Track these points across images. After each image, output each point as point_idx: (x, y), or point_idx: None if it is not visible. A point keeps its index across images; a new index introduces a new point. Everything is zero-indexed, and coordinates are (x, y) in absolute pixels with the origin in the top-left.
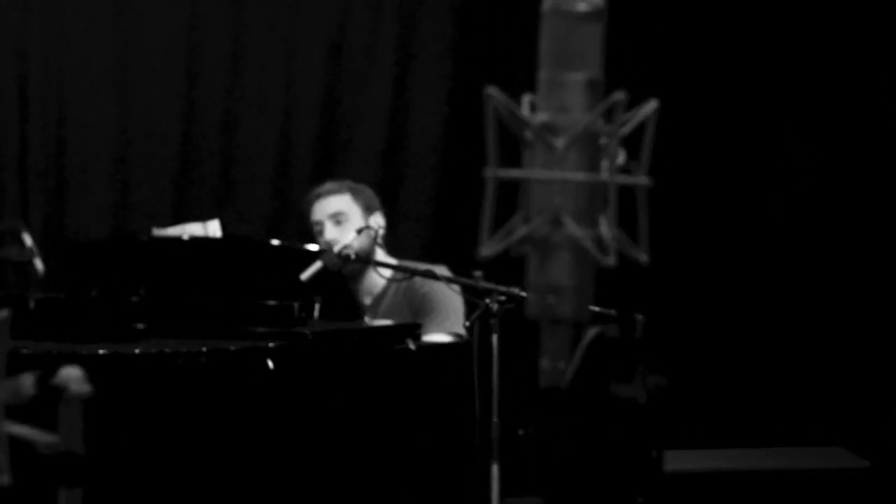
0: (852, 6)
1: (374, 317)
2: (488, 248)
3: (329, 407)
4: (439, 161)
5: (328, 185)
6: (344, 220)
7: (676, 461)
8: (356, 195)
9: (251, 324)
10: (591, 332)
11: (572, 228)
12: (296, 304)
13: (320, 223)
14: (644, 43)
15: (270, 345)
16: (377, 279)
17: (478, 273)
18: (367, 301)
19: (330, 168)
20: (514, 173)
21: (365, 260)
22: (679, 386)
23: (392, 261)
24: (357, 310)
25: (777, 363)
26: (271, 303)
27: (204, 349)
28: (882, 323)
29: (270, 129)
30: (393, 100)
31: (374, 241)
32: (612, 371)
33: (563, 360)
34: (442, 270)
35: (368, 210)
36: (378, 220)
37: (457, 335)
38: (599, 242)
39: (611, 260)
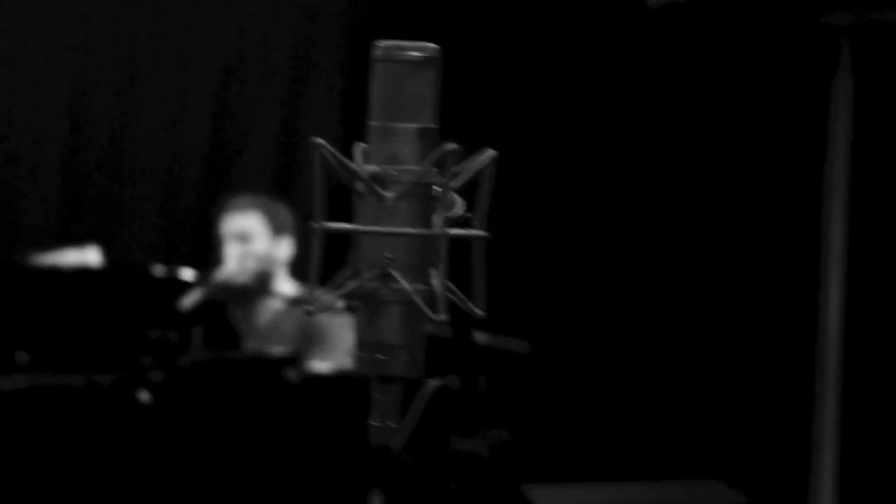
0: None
1: (265, 345)
2: (319, 303)
3: (209, 439)
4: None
5: (242, 200)
6: (248, 240)
7: (548, 497)
8: (268, 215)
9: (129, 354)
10: (430, 387)
11: (402, 283)
12: (175, 333)
13: (225, 238)
14: (482, 90)
15: (147, 376)
16: (269, 307)
17: None
18: (257, 329)
19: (221, 188)
20: (342, 226)
21: (252, 289)
22: (552, 416)
23: (291, 287)
24: (238, 339)
25: (653, 393)
26: (150, 332)
27: (75, 383)
28: (761, 355)
29: (161, 150)
30: (284, 123)
31: (268, 270)
32: (453, 425)
33: (393, 418)
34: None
35: (278, 232)
36: (285, 245)
37: (341, 368)
38: (431, 297)
39: (441, 316)
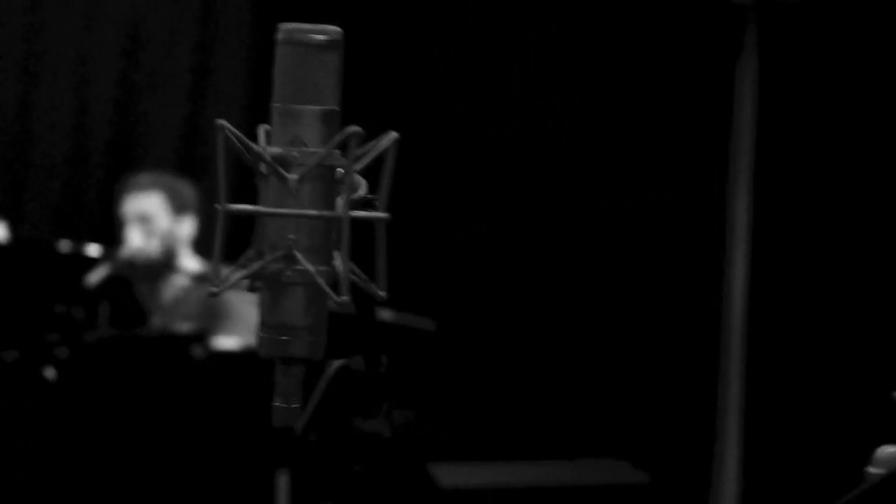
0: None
1: (170, 322)
2: (221, 285)
3: (115, 416)
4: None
5: (142, 179)
6: (148, 222)
7: (454, 476)
8: (169, 194)
9: (34, 331)
10: (333, 367)
11: (305, 265)
12: (81, 310)
13: (126, 220)
14: (385, 73)
15: (52, 353)
16: (174, 284)
17: None
18: (164, 306)
19: (127, 164)
20: (245, 208)
21: (157, 265)
22: (458, 395)
23: (194, 264)
24: (145, 316)
25: (558, 373)
26: (56, 308)
27: None
28: (666, 335)
29: (64, 129)
30: (189, 102)
31: (172, 247)
32: (356, 406)
33: (295, 399)
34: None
35: (179, 211)
36: (188, 223)
37: (245, 344)
38: (334, 279)
39: (344, 298)
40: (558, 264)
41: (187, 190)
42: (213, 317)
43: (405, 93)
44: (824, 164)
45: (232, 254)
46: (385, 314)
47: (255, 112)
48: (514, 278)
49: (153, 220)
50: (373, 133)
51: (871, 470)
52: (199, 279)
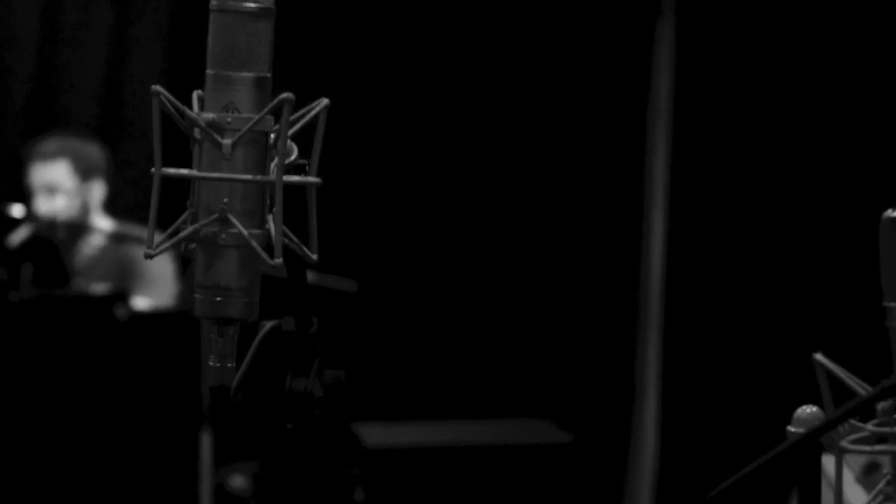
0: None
1: (88, 283)
2: (156, 247)
3: (38, 376)
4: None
5: (47, 146)
6: (56, 191)
7: (377, 435)
8: (75, 161)
9: None
10: (266, 328)
11: (239, 228)
12: (4, 270)
13: (32, 188)
14: (316, 40)
15: None
16: (91, 244)
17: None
18: (81, 267)
19: (46, 129)
20: (180, 172)
21: (75, 227)
22: (381, 355)
23: (108, 224)
24: (68, 276)
25: (482, 334)
26: None
27: None
28: (587, 298)
29: None
30: (109, 61)
31: (87, 207)
32: (288, 365)
33: (230, 359)
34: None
35: (86, 176)
36: (97, 187)
37: (161, 304)
38: (267, 242)
39: (278, 260)
40: (480, 226)
41: (95, 153)
42: (128, 277)
43: (337, 59)
44: (741, 127)
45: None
46: (308, 275)
47: (175, 76)
48: (438, 240)
49: (61, 189)
50: (304, 100)
51: (792, 429)
52: (113, 239)
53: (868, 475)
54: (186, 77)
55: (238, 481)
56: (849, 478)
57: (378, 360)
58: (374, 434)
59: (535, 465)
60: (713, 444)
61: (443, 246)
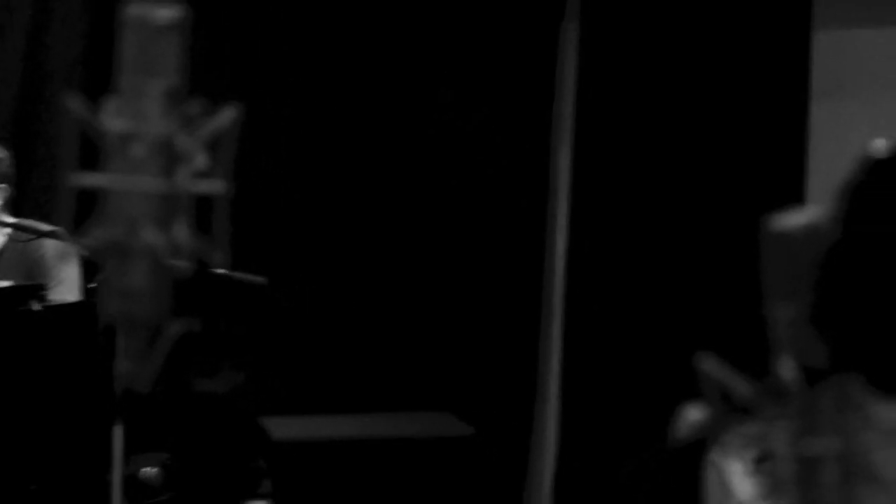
0: None
1: None
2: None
3: None
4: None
5: None
6: None
7: (284, 428)
8: None
9: None
10: (173, 331)
11: (148, 235)
12: None
13: None
14: (228, 50)
15: None
16: None
17: None
18: None
19: None
20: (91, 180)
21: None
22: (290, 349)
23: (11, 221)
24: None
25: (385, 328)
26: None
27: None
28: (491, 292)
29: None
30: (25, 74)
31: None
32: (194, 366)
33: (139, 362)
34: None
35: None
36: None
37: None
38: (175, 248)
39: (186, 265)
40: (386, 221)
41: None
42: (32, 276)
43: (249, 68)
44: (643, 127)
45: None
46: (218, 270)
47: (90, 84)
48: (344, 236)
49: None
50: (214, 107)
51: (677, 429)
52: (15, 237)
53: (760, 467)
54: (100, 84)
55: (149, 472)
56: (738, 471)
57: (284, 354)
58: (281, 427)
59: (437, 457)
60: (612, 437)
61: (348, 242)
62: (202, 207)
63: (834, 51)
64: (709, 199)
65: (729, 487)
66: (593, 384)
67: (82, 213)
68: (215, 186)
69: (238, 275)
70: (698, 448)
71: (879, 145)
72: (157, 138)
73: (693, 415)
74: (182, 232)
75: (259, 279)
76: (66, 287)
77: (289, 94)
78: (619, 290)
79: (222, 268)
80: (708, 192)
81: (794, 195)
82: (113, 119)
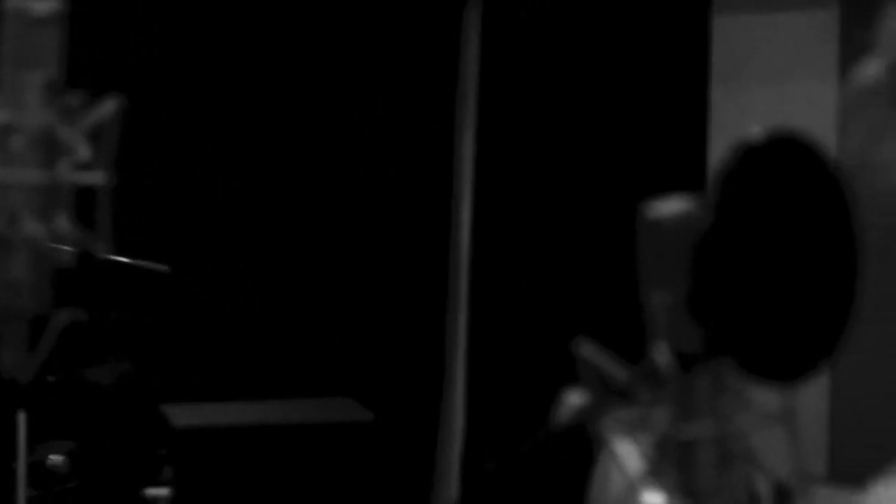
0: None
1: None
2: None
3: None
4: None
5: None
6: None
7: (186, 416)
8: None
9: None
10: (58, 321)
11: (29, 227)
12: None
13: None
14: (110, 41)
15: None
16: None
17: None
18: None
19: None
20: None
21: None
22: (192, 336)
23: None
24: None
25: (284, 312)
26: None
27: None
28: (393, 274)
29: None
30: None
31: None
32: (80, 356)
33: (21, 353)
34: None
35: None
36: None
37: None
38: (57, 239)
39: (67, 256)
40: (286, 206)
41: None
42: None
43: (133, 57)
44: (546, 110)
45: None
46: (120, 259)
47: None
48: (243, 221)
49: None
50: (96, 98)
51: (557, 414)
52: None
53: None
54: None
55: (56, 460)
56: (627, 452)
57: (185, 340)
58: (182, 414)
59: (337, 443)
60: (518, 422)
61: (249, 228)
62: (86, 198)
63: (733, 35)
64: (610, 184)
65: (619, 467)
66: (500, 368)
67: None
68: (97, 177)
69: (141, 263)
70: (578, 432)
71: (753, 132)
72: (37, 130)
73: (573, 399)
74: (63, 223)
75: (162, 267)
76: None
77: (188, 80)
78: (524, 273)
79: (106, 258)
80: (609, 178)
81: (695, 180)
82: None
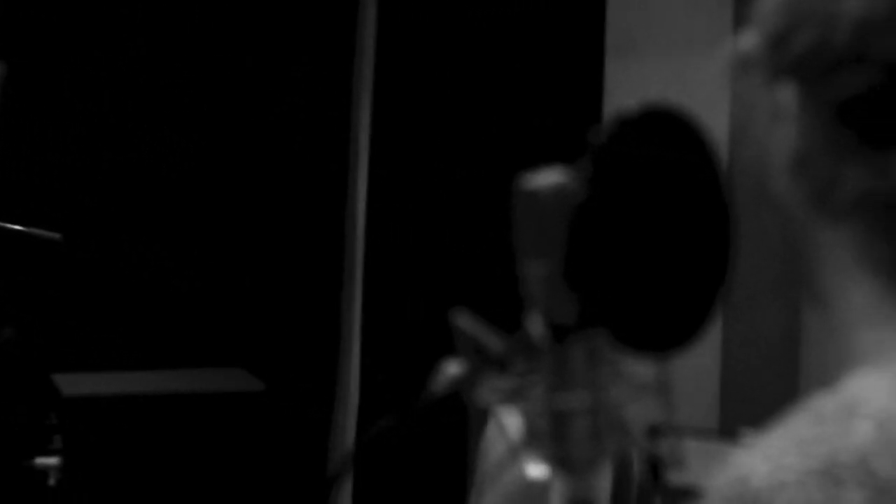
0: None
1: None
2: None
3: None
4: None
5: None
6: None
7: (75, 385)
8: None
9: None
10: None
11: None
12: None
13: None
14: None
15: None
16: None
17: None
18: None
19: None
20: None
21: None
22: (81, 305)
23: None
24: None
25: (177, 282)
26: None
27: None
28: (289, 245)
29: None
30: None
31: None
32: None
33: None
34: None
35: None
36: None
37: None
38: None
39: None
40: (178, 174)
41: None
42: None
43: (22, 25)
44: (442, 83)
45: None
46: (11, 226)
47: None
48: (135, 191)
49: None
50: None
51: (434, 383)
52: None
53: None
54: None
55: None
56: (509, 422)
57: (77, 309)
58: (71, 383)
59: (228, 413)
60: (411, 386)
61: (140, 197)
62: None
63: (628, 8)
64: (504, 157)
65: (499, 435)
66: (394, 338)
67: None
68: None
69: (33, 230)
70: (454, 401)
71: (629, 105)
72: None
73: (450, 369)
74: None
75: (54, 235)
76: None
77: (81, 47)
78: (419, 243)
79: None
80: (503, 151)
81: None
82: None
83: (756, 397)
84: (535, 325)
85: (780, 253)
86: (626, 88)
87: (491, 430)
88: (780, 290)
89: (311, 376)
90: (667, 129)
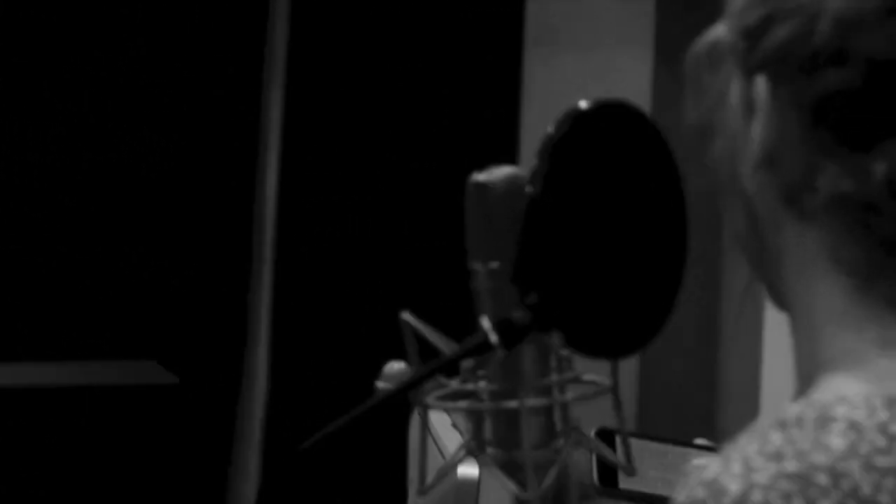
0: None
1: None
2: None
3: None
4: None
5: None
6: None
7: None
8: None
9: None
10: None
11: None
12: None
13: None
14: None
15: None
16: None
17: None
18: None
19: None
20: None
21: None
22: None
23: None
24: None
25: (88, 272)
26: None
27: None
28: (196, 237)
29: None
30: None
31: None
32: None
33: None
34: None
35: None
36: None
37: None
38: None
39: None
40: (87, 160)
41: None
42: None
43: None
44: (357, 74)
45: None
46: None
47: None
48: (45, 178)
49: None
50: None
51: (380, 384)
52: None
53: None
54: None
55: None
56: (453, 425)
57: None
58: None
59: (140, 406)
60: (322, 390)
61: (51, 184)
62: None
63: (547, 0)
64: (421, 151)
65: (436, 440)
66: (304, 332)
67: None
68: None
69: None
70: (396, 407)
71: (582, 101)
72: None
73: (395, 369)
74: None
75: None
76: None
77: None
78: (331, 238)
79: None
80: (421, 145)
81: (507, 146)
82: None
83: (674, 401)
84: (487, 326)
85: (745, 253)
86: (545, 82)
87: (427, 434)
88: (695, 292)
89: (221, 370)
90: (621, 124)
